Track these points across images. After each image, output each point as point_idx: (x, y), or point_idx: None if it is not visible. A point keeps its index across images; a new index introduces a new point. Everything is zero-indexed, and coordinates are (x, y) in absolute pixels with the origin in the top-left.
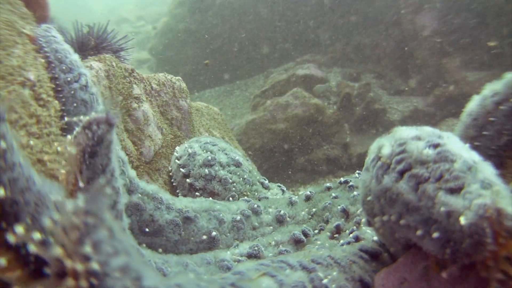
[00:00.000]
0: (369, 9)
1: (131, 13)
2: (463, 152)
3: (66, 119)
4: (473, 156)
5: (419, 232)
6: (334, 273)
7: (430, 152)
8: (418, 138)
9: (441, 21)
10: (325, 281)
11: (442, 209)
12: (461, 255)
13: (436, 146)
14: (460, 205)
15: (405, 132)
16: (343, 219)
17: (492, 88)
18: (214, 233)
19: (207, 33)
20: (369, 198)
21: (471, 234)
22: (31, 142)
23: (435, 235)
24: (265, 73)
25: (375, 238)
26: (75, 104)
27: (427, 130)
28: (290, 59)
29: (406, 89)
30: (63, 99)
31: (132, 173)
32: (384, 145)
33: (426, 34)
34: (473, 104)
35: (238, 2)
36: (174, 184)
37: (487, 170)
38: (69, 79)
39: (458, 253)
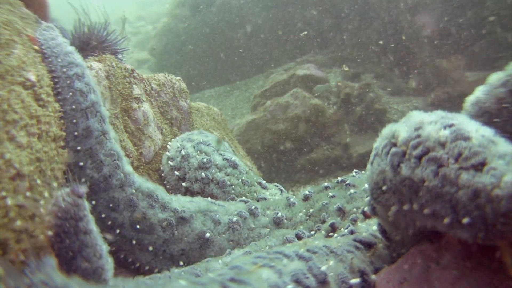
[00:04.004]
0: (369, 9)
1: (131, 13)
2: (479, 129)
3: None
4: (488, 132)
5: (446, 220)
6: (331, 262)
7: (446, 132)
8: (432, 122)
9: (441, 21)
10: (323, 268)
11: (468, 190)
12: (495, 237)
13: (450, 126)
14: (487, 182)
15: (418, 116)
16: (338, 218)
17: (499, 77)
18: (208, 235)
19: (207, 33)
20: (384, 187)
21: (506, 213)
22: (31, 142)
23: (466, 220)
24: (265, 73)
25: (373, 228)
26: (71, 93)
27: (439, 114)
28: (290, 59)
29: (406, 89)
30: (59, 89)
31: (128, 168)
32: (398, 131)
33: (426, 34)
34: (479, 94)
35: (238, 2)
36: (167, 186)
37: (505, 144)
38: (65, 69)
39: (491, 235)
